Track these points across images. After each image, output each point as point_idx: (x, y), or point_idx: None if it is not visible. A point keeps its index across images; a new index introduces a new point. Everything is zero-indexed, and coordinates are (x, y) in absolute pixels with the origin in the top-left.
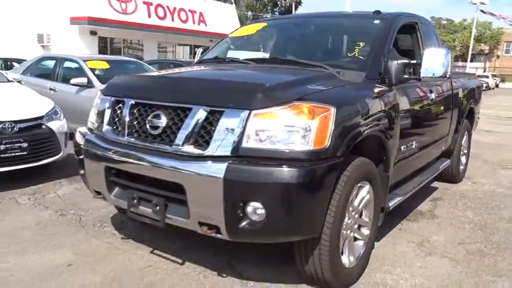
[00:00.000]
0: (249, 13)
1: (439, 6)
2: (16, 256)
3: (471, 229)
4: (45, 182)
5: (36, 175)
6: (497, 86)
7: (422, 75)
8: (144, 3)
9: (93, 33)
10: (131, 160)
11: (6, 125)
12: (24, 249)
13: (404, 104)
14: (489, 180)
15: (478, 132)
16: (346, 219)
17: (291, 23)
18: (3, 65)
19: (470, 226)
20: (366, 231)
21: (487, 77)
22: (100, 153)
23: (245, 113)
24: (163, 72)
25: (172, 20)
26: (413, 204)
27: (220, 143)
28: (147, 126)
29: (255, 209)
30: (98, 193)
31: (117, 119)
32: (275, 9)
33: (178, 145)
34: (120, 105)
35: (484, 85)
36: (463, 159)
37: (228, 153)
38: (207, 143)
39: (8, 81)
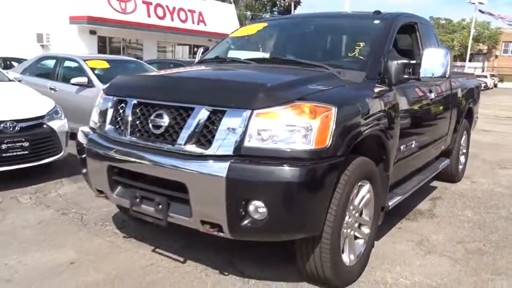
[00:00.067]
0: (248, 13)
1: (438, 6)
2: (18, 254)
3: (470, 228)
4: (46, 181)
5: (37, 174)
6: (495, 85)
7: (421, 75)
8: (144, 2)
9: (92, 32)
10: (134, 159)
11: (8, 124)
12: (26, 248)
13: (404, 103)
14: (488, 180)
15: (477, 132)
16: (346, 218)
17: (291, 23)
18: (2, 64)
19: (469, 225)
20: (366, 229)
21: (485, 76)
22: (102, 153)
23: (247, 113)
24: (165, 72)
25: (172, 19)
26: (412, 203)
27: (223, 143)
28: (150, 125)
29: (257, 208)
30: (100, 192)
31: (119, 119)
32: (274, 9)
33: (180, 144)
34: (123, 104)
35: (483, 85)
36: (462, 158)
37: (230, 153)
38: (210, 142)
39: (9, 80)
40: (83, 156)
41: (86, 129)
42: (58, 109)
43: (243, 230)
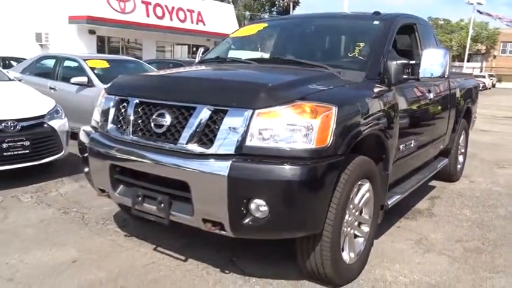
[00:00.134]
0: (247, 13)
1: (437, 7)
2: (20, 253)
3: (468, 227)
4: (47, 180)
5: (38, 173)
6: (493, 86)
7: (421, 75)
8: (143, 2)
9: (91, 32)
10: (136, 158)
11: (9, 123)
12: (27, 247)
13: (403, 103)
14: (486, 179)
15: (475, 132)
16: (346, 217)
17: (291, 23)
18: (1, 63)
19: (468, 224)
20: (365, 228)
21: (483, 77)
22: (105, 152)
23: (249, 112)
24: (167, 71)
25: (171, 19)
26: (411, 202)
27: (224, 142)
28: (152, 124)
29: (258, 206)
30: (103, 191)
31: (121, 118)
32: (273, 9)
33: (182, 143)
34: (125, 104)
35: (481, 85)
36: (461, 158)
37: (232, 152)
38: (211, 142)
39: (9, 80)
40: (85, 155)
41: (88, 128)
42: (58, 108)
43: (244, 228)
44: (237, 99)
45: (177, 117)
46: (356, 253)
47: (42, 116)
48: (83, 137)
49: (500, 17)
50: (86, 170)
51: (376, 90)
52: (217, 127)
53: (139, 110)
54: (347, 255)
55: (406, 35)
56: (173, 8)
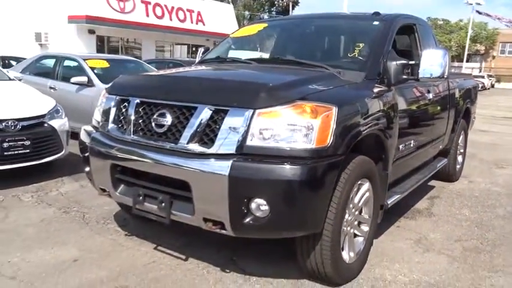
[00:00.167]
0: (246, 13)
1: (436, 7)
2: (22, 252)
3: (467, 226)
4: (47, 180)
5: (38, 173)
6: (492, 86)
7: (420, 75)
8: (142, 2)
9: (91, 31)
10: (137, 158)
11: (9, 123)
12: (29, 245)
13: (402, 103)
14: (485, 179)
15: (474, 132)
16: (346, 216)
17: (291, 23)
18: (1, 63)
19: (467, 224)
20: (365, 227)
21: (482, 77)
22: (106, 151)
23: (249, 112)
24: (168, 71)
25: (171, 19)
26: (410, 202)
27: (225, 141)
28: (153, 124)
29: (259, 205)
30: (103, 190)
31: (122, 118)
32: (272, 9)
33: (183, 143)
34: (125, 104)
35: (480, 85)
36: (460, 158)
37: (233, 151)
38: (212, 141)
39: (10, 79)
40: (86, 154)
41: (89, 128)
42: (59, 108)
43: (245, 228)
44: (238, 99)
45: (178, 117)
46: (356, 252)
47: (43, 116)
48: (83, 137)
49: (500, 18)
50: (87, 169)
51: (375, 90)
52: (218, 127)
53: (140, 109)
54: (347, 255)
55: (405, 35)
56: (173, 7)
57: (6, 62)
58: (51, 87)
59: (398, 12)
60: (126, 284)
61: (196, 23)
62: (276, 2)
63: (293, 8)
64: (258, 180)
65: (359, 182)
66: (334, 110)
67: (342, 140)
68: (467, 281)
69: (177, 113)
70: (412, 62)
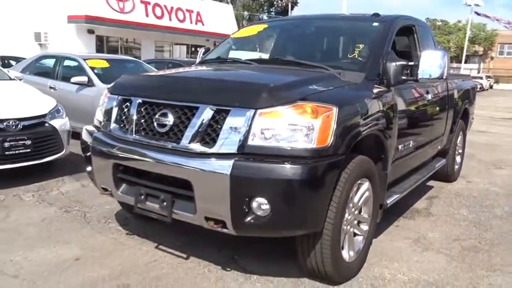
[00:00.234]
0: (245, 13)
1: (434, 8)
2: (24, 250)
3: (466, 226)
4: (48, 179)
5: (39, 172)
6: (491, 87)
7: (419, 76)
8: (142, 2)
9: (90, 31)
10: (139, 157)
11: (11, 122)
12: (31, 244)
13: (402, 104)
14: (483, 180)
15: (473, 133)
16: (346, 215)
17: (291, 24)
18: (0, 63)
19: (465, 223)
20: (365, 227)
21: (481, 78)
22: (108, 151)
23: (251, 112)
24: (169, 71)
25: (170, 19)
26: (409, 202)
27: (227, 141)
28: (155, 124)
29: (260, 205)
30: (105, 190)
31: (124, 117)
32: (271, 9)
33: (185, 143)
34: (127, 103)
35: (478, 86)
36: (458, 158)
37: (234, 151)
38: (214, 141)
39: (10, 79)
40: (88, 154)
41: (91, 127)
42: (59, 108)
43: (246, 226)
44: (239, 99)
45: (180, 117)
46: (355, 251)
47: (44, 115)
48: (85, 136)
49: (498, 19)
50: (89, 169)
51: (375, 91)
52: (219, 127)
53: (142, 109)
54: (347, 254)
55: (404, 36)
56: (172, 8)
57: (6, 61)
58: (51, 87)
59: (397, 14)
60: (128, 283)
61: (196, 23)
62: (275, 3)
63: (292, 9)
64: (259, 179)
65: (359, 182)
66: (335, 110)
67: (342, 140)
68: (466, 279)
69: (179, 112)
70: (412, 63)
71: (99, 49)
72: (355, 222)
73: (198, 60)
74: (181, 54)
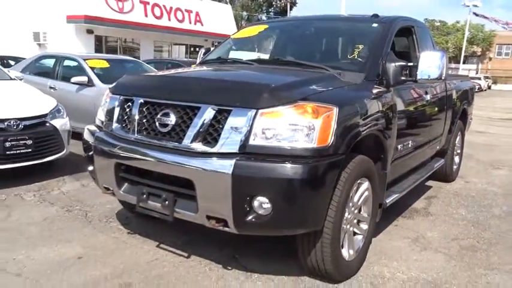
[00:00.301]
0: (244, 13)
1: (433, 8)
2: (27, 249)
3: (464, 226)
4: (49, 179)
5: (40, 172)
6: (489, 87)
7: (418, 77)
8: (141, 2)
9: (89, 31)
10: (141, 157)
11: (12, 122)
12: (33, 243)
13: (401, 104)
14: (481, 180)
15: (471, 133)
16: (346, 214)
17: (292, 25)
18: None
19: (463, 223)
20: (364, 226)
21: (479, 78)
22: (110, 150)
23: (252, 112)
24: (171, 71)
25: (169, 19)
26: (408, 202)
27: (229, 141)
28: (157, 124)
29: (262, 203)
30: (107, 189)
31: (126, 117)
32: (270, 10)
33: (187, 142)
34: (129, 103)
35: (477, 87)
36: (457, 159)
37: (236, 150)
38: (215, 141)
39: (11, 79)
40: (90, 153)
41: (93, 127)
42: (60, 108)
43: (247, 225)
44: (241, 100)
45: (182, 117)
46: (355, 250)
47: (45, 115)
48: (87, 136)
49: (496, 20)
50: (91, 168)
51: (375, 91)
52: (221, 126)
53: (144, 109)
54: (346, 252)
55: (404, 37)
56: (171, 8)
57: (5, 61)
58: (51, 87)
59: (396, 15)
60: (130, 281)
61: (195, 24)
62: (273, 3)
63: (291, 9)
64: (261, 178)
65: (358, 181)
66: (335, 110)
67: (343, 140)
68: (464, 278)
69: (181, 112)
70: (411, 64)
71: (98, 49)
72: (355, 221)
73: (198, 61)
74: (180, 54)
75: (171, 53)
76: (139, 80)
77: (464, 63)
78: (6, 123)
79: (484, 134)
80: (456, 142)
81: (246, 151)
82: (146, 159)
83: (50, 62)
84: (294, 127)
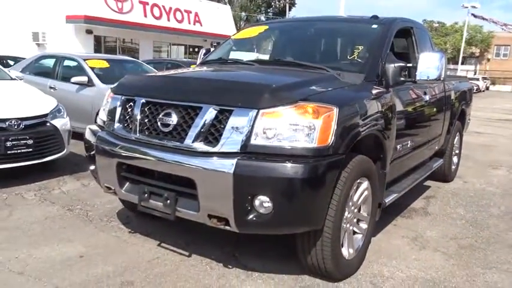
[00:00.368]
0: (243, 14)
1: (431, 9)
2: (29, 248)
3: (462, 225)
4: (49, 179)
5: (40, 172)
6: (487, 88)
7: (417, 77)
8: (140, 2)
9: (88, 31)
10: (143, 156)
11: (13, 122)
12: (35, 242)
13: (400, 105)
14: (480, 180)
15: (469, 134)
16: (346, 213)
17: (292, 26)
18: None
19: (462, 222)
20: (364, 225)
21: (477, 79)
22: (112, 150)
23: (253, 112)
24: (172, 72)
25: (168, 19)
26: (407, 201)
27: (230, 140)
28: (158, 123)
29: (263, 203)
30: (109, 188)
31: (128, 117)
32: (269, 10)
33: (189, 142)
34: (131, 103)
35: (475, 88)
36: (455, 159)
37: (237, 150)
38: (217, 140)
39: (11, 79)
40: (92, 153)
41: (94, 127)
42: (60, 107)
43: (249, 224)
44: (242, 100)
45: (184, 117)
46: (355, 249)
47: (45, 115)
48: (89, 136)
49: (495, 21)
50: (92, 167)
51: (374, 92)
52: (222, 126)
53: (145, 109)
54: (346, 251)
55: (403, 38)
56: (170, 8)
57: (4, 61)
58: (51, 87)
59: (395, 16)
60: (131, 279)
61: (194, 24)
62: (272, 3)
63: (290, 10)
64: (262, 178)
65: (358, 181)
66: (335, 110)
67: (343, 140)
68: (462, 277)
69: (183, 112)
70: (410, 65)
71: (97, 49)
72: (355, 220)
73: (199, 61)
74: (179, 55)
75: (170, 53)
76: (141, 80)
77: (462, 64)
78: (7, 123)
79: (483, 135)
80: (455, 142)
81: (247, 151)
82: (148, 158)
83: (50, 62)
84: (294, 127)
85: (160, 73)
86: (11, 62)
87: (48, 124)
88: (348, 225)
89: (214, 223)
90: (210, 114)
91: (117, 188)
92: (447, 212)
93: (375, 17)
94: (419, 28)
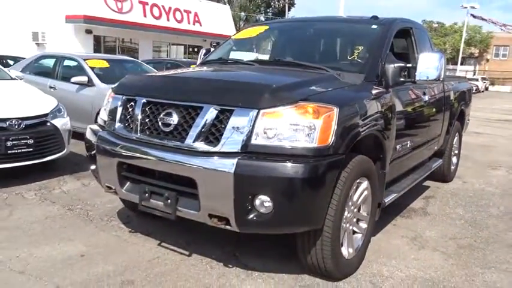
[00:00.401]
0: (242, 14)
1: (431, 10)
2: (29, 247)
3: (462, 225)
4: (49, 178)
5: (40, 171)
6: (486, 89)
7: (417, 78)
8: (140, 2)
9: (88, 31)
10: (144, 156)
11: (13, 121)
12: (36, 241)
13: (400, 105)
14: (479, 180)
15: (469, 134)
16: (346, 213)
17: (292, 26)
18: None
19: (461, 222)
20: (363, 225)
21: (476, 80)
22: (113, 150)
23: (254, 112)
24: (173, 72)
25: (168, 19)
26: (406, 201)
27: (231, 140)
28: (159, 123)
29: (263, 202)
30: (109, 188)
31: (129, 117)
32: (268, 10)
33: (189, 142)
34: (132, 103)
35: (474, 88)
36: (454, 159)
37: (238, 150)
38: (218, 140)
39: (12, 78)
40: (92, 152)
41: (95, 127)
42: (61, 107)
43: (249, 223)
44: (243, 100)
45: (184, 117)
46: (354, 248)
47: (45, 115)
48: (90, 135)
49: (494, 21)
50: (93, 167)
51: (374, 92)
52: (223, 126)
53: (146, 109)
54: (346, 251)
55: (402, 38)
56: (170, 8)
57: (4, 61)
58: (51, 87)
59: (395, 17)
60: (132, 279)
61: (193, 24)
62: (272, 3)
63: (289, 10)
64: (262, 177)
65: (358, 181)
66: (336, 110)
67: (343, 140)
68: (461, 276)
69: (183, 112)
70: (409, 65)
71: (96, 49)
72: (354, 220)
73: (199, 61)
74: (178, 55)
75: (170, 53)
76: (141, 80)
77: (461, 64)
78: (7, 123)
79: (482, 135)
80: (454, 143)
81: (247, 150)
82: (148, 158)
83: (50, 62)
84: (295, 127)
85: (161, 73)
86: (11, 62)
87: (48, 124)
88: (347, 225)
89: (214, 223)
90: (210, 114)
91: (118, 187)
92: (446, 212)
93: (375, 18)
94: (418, 28)
